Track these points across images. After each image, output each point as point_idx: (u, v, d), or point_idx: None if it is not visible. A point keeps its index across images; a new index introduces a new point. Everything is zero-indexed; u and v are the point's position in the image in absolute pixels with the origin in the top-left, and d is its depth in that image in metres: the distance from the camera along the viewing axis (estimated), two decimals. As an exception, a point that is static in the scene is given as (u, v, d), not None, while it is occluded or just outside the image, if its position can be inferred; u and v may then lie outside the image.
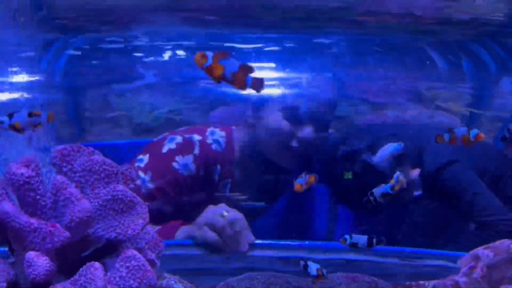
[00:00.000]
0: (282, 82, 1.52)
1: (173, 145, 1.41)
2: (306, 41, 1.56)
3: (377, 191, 1.10)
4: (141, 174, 1.38)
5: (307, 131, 1.41)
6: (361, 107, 2.08)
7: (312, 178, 1.14)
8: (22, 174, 0.73)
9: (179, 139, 1.42)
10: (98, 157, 0.80)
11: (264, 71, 1.55)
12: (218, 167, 1.44)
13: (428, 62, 1.55)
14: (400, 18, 1.43)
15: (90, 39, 1.70)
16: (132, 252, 0.78)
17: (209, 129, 1.47)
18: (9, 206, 0.70)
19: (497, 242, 0.86)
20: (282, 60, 1.56)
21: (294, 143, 1.42)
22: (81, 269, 0.73)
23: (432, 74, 1.60)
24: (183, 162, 1.38)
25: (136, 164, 1.40)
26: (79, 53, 1.68)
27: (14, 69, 1.49)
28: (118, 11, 1.51)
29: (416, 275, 1.09)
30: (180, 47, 1.65)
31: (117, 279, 0.77)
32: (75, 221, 0.73)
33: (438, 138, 1.03)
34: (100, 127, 2.14)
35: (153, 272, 0.79)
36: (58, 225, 0.71)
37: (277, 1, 1.48)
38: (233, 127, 1.51)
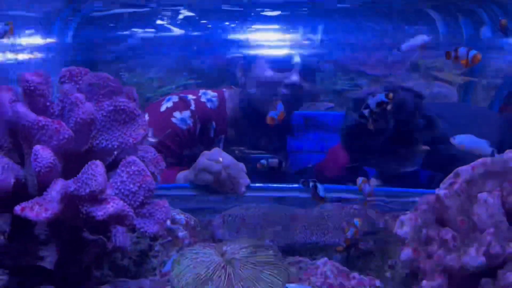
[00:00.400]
0: (278, 43, 1.59)
1: (170, 104, 1.54)
2: (305, 5, 1.62)
3: (372, 100, 1.05)
4: None
5: (293, 76, 1.48)
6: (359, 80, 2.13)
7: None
8: (33, 80, 0.80)
9: (175, 98, 1.56)
10: (104, 73, 0.87)
11: (260, 32, 1.63)
12: (213, 123, 1.56)
13: (427, 26, 1.59)
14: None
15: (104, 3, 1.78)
16: (133, 158, 0.84)
17: (201, 91, 1.60)
18: (20, 106, 0.77)
19: (477, 160, 0.90)
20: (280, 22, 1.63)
21: (282, 90, 1.49)
22: (83, 168, 0.80)
23: (432, 39, 1.64)
24: (181, 117, 1.51)
25: None
26: (92, 18, 1.76)
27: (28, 31, 1.58)
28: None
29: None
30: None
31: (118, 183, 0.84)
32: (79, 122, 0.79)
33: (447, 55, 1.01)
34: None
35: (152, 178, 0.85)
36: (63, 123, 0.77)
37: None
38: (224, 89, 1.63)
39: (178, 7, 1.70)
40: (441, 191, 0.88)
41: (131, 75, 2.15)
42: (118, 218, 0.80)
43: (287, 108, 1.48)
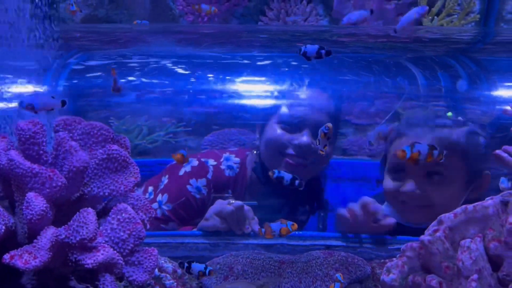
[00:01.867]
0: (278, 96, 1.59)
1: (189, 168, 1.50)
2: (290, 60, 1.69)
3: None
4: (159, 196, 1.49)
5: (304, 137, 1.38)
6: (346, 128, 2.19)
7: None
8: (29, 129, 0.82)
9: (195, 162, 1.51)
10: (97, 122, 0.90)
11: (259, 84, 1.65)
12: (229, 191, 1.51)
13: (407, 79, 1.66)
14: (377, 38, 1.57)
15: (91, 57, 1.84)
16: (123, 205, 0.86)
17: (225, 155, 1.55)
18: (15, 154, 0.79)
19: (458, 208, 0.93)
20: (275, 75, 1.66)
21: (290, 151, 1.41)
22: (75, 215, 0.80)
23: (412, 90, 1.71)
24: (196, 185, 1.47)
25: (160, 184, 1.52)
26: (82, 69, 1.81)
27: (21, 80, 1.62)
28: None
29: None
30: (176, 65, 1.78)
31: (108, 230, 0.84)
32: (72, 170, 0.81)
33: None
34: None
35: (142, 225, 0.86)
36: (56, 171, 0.79)
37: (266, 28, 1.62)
38: (248, 152, 1.58)
39: (166, 60, 1.75)
40: (425, 237, 0.90)
41: (120, 122, 2.18)
42: (107, 266, 0.81)
43: (299, 172, 1.37)
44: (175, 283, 1.10)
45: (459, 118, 1.41)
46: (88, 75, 1.93)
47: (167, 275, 1.11)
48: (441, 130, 1.32)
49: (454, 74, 1.64)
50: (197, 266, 0.99)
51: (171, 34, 1.70)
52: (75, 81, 1.87)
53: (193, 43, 1.75)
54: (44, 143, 0.84)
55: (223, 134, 2.28)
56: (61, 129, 0.91)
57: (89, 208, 0.79)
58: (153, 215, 0.95)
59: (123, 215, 0.84)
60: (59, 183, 0.79)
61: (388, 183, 1.35)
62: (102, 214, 0.91)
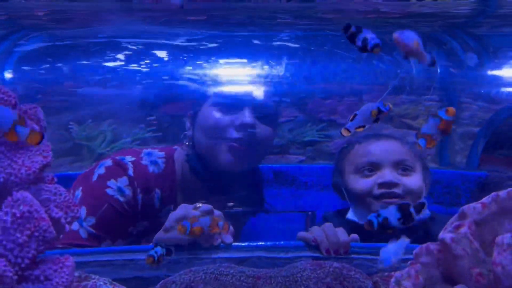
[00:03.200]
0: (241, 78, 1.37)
1: (102, 170, 1.20)
2: (269, 38, 1.47)
3: None
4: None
5: (246, 116, 1.18)
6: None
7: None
8: None
9: (108, 162, 1.22)
10: (-7, 84, 0.66)
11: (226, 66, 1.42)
12: (157, 191, 1.23)
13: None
14: (366, 14, 1.37)
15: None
16: (22, 194, 0.60)
17: (145, 150, 1.28)
18: None
19: (486, 197, 0.70)
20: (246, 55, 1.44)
21: (233, 133, 1.19)
22: None
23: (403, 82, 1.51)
24: (117, 186, 1.18)
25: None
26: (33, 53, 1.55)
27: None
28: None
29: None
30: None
31: (-1, 232, 0.59)
32: None
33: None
34: (58, 160, 1.98)
35: (48, 222, 0.60)
36: None
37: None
38: (176, 147, 1.31)
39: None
40: (446, 235, 0.66)
41: (81, 128, 1.93)
42: (-11, 283, 0.55)
43: (245, 157, 1.20)
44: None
45: None
46: (40, 64, 1.66)
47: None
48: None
49: (451, 52, 1.44)
50: None
51: (135, 12, 1.47)
52: (24, 73, 1.61)
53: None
54: None
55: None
56: None
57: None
58: (77, 215, 0.70)
59: (21, 207, 0.59)
60: None
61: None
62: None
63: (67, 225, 0.69)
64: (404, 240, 0.95)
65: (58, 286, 0.60)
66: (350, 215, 1.24)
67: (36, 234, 0.59)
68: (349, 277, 0.83)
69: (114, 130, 1.96)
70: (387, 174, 1.16)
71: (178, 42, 1.48)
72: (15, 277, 0.56)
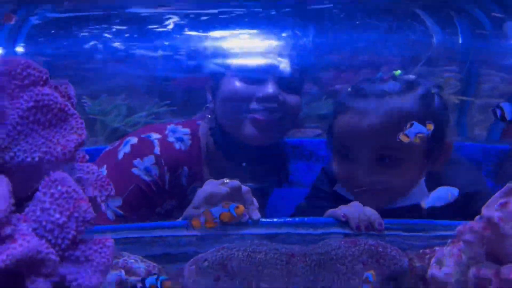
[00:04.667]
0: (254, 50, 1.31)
1: (127, 148, 1.16)
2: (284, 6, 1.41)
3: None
4: None
5: (269, 87, 1.12)
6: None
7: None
8: None
9: (133, 140, 1.18)
10: (22, 58, 0.63)
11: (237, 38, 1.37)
12: (185, 168, 1.20)
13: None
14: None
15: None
16: (59, 174, 0.58)
17: (169, 127, 1.25)
18: None
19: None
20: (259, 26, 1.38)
21: (255, 105, 1.14)
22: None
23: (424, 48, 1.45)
24: (143, 166, 1.14)
25: None
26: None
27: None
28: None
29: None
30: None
31: (37, 212, 0.57)
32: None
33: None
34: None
35: (89, 203, 0.58)
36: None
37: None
38: (199, 121, 1.28)
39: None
40: (492, 213, 0.64)
41: (95, 102, 1.90)
42: (32, 265, 0.53)
43: (269, 130, 1.17)
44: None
45: (410, 76, 1.15)
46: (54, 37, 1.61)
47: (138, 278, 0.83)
48: (390, 99, 1.07)
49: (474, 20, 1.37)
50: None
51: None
52: (37, 46, 1.57)
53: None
54: None
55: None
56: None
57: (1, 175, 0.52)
58: (111, 193, 0.68)
59: (59, 188, 0.57)
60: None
61: (337, 168, 1.13)
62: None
63: (102, 205, 0.67)
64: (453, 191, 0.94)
65: (99, 266, 0.59)
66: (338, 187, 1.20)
67: (76, 214, 0.57)
68: (385, 255, 0.81)
69: (129, 104, 1.93)
70: None
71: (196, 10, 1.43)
72: (57, 258, 0.55)
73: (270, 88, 1.14)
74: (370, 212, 0.96)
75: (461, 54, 1.73)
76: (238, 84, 1.16)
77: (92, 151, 1.74)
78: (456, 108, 1.73)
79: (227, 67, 1.22)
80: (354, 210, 0.96)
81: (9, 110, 0.60)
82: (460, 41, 1.65)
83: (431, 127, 0.92)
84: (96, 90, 1.89)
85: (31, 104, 0.59)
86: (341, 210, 0.98)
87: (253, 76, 1.16)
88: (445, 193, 0.93)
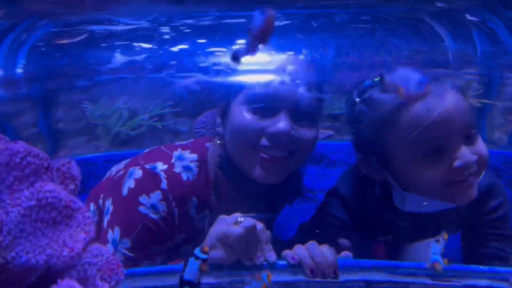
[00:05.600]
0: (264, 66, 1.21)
1: (131, 183, 1.08)
2: (294, 17, 1.32)
3: None
4: (110, 233, 1.08)
5: (280, 122, 1.03)
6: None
7: None
8: None
9: (138, 173, 1.09)
10: (21, 144, 0.56)
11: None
12: (194, 199, 1.13)
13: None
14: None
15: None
16: (67, 283, 0.53)
17: (176, 153, 1.14)
18: None
19: None
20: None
21: (264, 141, 1.05)
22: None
23: (438, 56, 1.38)
24: (150, 203, 1.06)
25: (104, 211, 1.13)
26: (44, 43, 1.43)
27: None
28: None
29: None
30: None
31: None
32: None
33: None
34: (73, 140, 1.90)
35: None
36: None
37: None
38: (208, 144, 1.18)
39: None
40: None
41: (95, 107, 1.82)
42: None
43: (280, 170, 1.08)
44: None
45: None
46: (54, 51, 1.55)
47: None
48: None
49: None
50: None
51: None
52: (38, 59, 1.50)
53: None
54: None
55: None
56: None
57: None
58: (121, 278, 0.63)
59: (68, 301, 0.52)
60: None
61: (420, 174, 1.00)
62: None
63: (114, 294, 0.62)
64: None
65: None
66: None
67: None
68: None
69: (130, 107, 1.86)
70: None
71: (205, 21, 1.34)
72: None
73: (281, 123, 1.04)
74: (328, 254, 0.91)
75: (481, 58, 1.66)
76: (247, 116, 1.06)
77: (95, 158, 1.69)
78: (475, 111, 1.67)
79: (236, 90, 1.13)
80: (309, 252, 0.91)
81: (9, 207, 0.54)
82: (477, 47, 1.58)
83: None
84: (96, 93, 1.82)
85: (33, 202, 0.53)
86: (295, 250, 0.94)
87: (264, 106, 1.05)
88: None
